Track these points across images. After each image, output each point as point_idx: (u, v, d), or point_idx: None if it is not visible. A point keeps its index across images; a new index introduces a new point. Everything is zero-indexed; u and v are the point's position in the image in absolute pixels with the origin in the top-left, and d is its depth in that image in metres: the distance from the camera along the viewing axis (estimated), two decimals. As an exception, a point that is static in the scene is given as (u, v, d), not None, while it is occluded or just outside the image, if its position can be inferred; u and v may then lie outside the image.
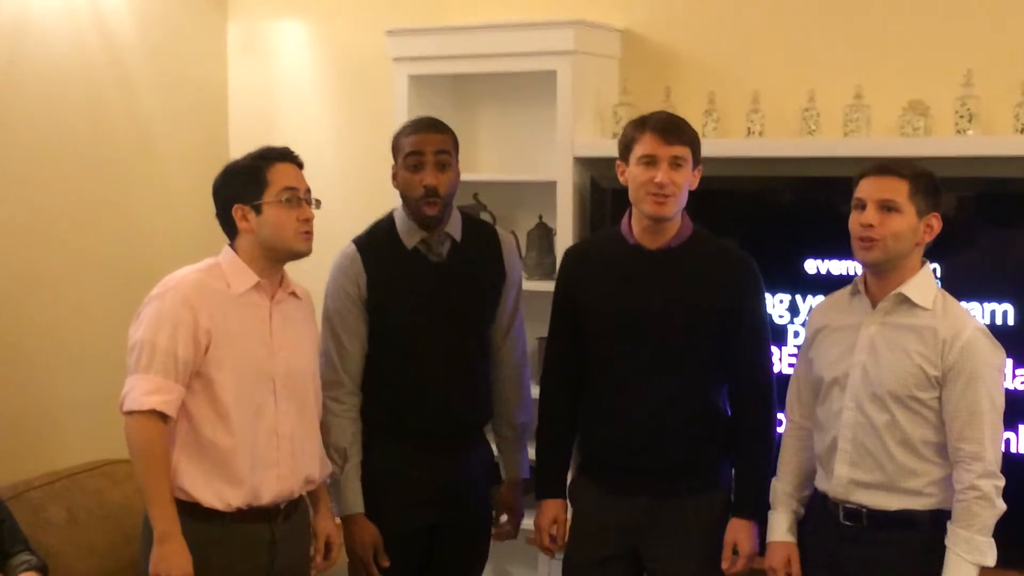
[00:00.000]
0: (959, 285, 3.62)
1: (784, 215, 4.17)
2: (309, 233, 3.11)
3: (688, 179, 3.16)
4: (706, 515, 3.25)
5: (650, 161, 3.12)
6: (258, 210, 3.06)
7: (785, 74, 4.16)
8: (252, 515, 3.06)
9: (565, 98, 4.23)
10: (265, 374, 3.08)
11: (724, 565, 3.21)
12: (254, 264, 3.10)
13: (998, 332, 3.54)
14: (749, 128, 4.13)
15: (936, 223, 3.00)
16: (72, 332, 4.42)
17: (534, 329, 4.46)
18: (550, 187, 4.32)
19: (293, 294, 3.21)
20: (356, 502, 3.40)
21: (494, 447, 3.67)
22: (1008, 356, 3.55)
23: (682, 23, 4.37)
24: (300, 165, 3.15)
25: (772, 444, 3.27)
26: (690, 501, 3.24)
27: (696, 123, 4.16)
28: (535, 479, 3.49)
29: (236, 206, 3.08)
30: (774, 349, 3.95)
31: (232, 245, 3.13)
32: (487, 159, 4.71)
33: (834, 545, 3.07)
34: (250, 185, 3.07)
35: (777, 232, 4.07)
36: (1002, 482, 2.92)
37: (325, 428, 3.35)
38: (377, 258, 3.40)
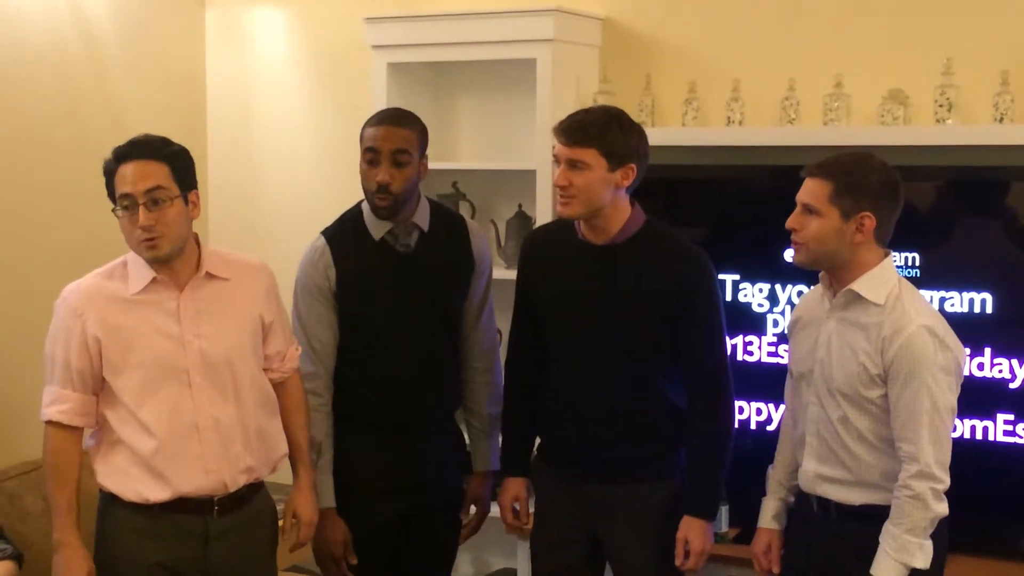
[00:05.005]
0: (938, 274, 3.63)
1: (764, 204, 4.16)
2: (151, 240, 2.90)
3: (599, 180, 3.07)
4: (658, 504, 3.23)
5: (556, 162, 3.13)
6: (117, 215, 2.96)
7: (765, 63, 4.15)
8: (180, 506, 2.99)
9: (545, 86, 4.21)
10: (175, 368, 2.98)
11: (677, 562, 3.20)
12: None
13: (977, 321, 3.57)
14: (729, 117, 4.13)
15: (868, 222, 2.88)
16: (47, 321, 4.39)
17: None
18: (529, 176, 4.30)
19: (211, 276, 3.05)
20: (327, 497, 3.36)
21: (466, 436, 3.65)
22: (987, 345, 3.58)
23: (662, 11, 4.35)
24: (152, 157, 2.92)
25: (725, 439, 3.22)
26: (641, 490, 3.22)
27: (676, 111, 4.20)
28: (501, 457, 3.50)
29: (113, 207, 2.99)
30: (753, 339, 3.98)
31: None
32: (466, 147, 4.69)
33: (810, 536, 3.07)
34: (109, 189, 2.97)
35: (756, 221, 4.06)
36: (942, 485, 2.82)
37: None
38: (345, 250, 3.36)
